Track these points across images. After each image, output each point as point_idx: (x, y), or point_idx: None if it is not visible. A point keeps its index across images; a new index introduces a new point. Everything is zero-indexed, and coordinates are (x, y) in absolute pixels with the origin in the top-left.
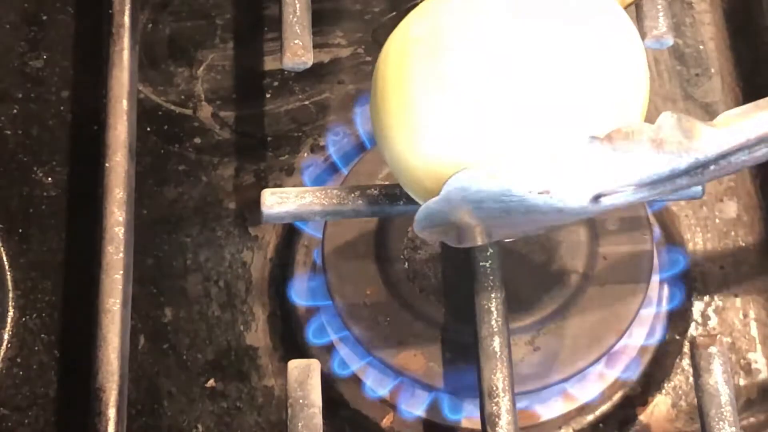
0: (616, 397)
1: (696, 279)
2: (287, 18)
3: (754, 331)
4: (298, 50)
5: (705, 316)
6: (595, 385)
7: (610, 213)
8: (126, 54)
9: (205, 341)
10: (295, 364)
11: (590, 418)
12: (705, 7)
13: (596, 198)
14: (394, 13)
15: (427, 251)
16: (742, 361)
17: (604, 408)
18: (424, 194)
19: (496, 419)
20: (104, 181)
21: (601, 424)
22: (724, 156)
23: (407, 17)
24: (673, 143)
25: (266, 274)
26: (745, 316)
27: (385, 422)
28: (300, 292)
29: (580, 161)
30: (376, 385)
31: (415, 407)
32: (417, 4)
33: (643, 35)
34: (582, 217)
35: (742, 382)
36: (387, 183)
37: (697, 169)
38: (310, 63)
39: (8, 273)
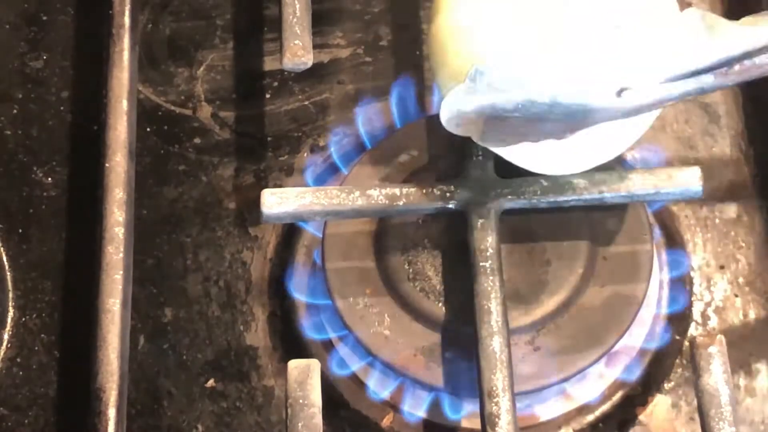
0: (616, 397)
1: (696, 279)
2: (287, 18)
3: (754, 331)
4: (298, 50)
5: (705, 316)
6: (595, 385)
7: (636, 118)
8: (126, 54)
9: (205, 341)
10: (295, 364)
11: (590, 418)
12: (705, 7)
13: (621, 92)
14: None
15: (427, 251)
16: (742, 361)
17: (604, 408)
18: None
19: (496, 419)
20: (104, 181)
21: (601, 424)
22: (747, 55)
23: None
24: (696, 36)
25: (266, 274)
26: (745, 316)
27: (385, 422)
28: (300, 291)
29: (604, 49)
30: (376, 386)
31: (415, 407)
32: None
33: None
34: (606, 121)
35: (742, 382)
36: (387, 183)
37: (721, 67)
38: (310, 63)
39: (8, 273)
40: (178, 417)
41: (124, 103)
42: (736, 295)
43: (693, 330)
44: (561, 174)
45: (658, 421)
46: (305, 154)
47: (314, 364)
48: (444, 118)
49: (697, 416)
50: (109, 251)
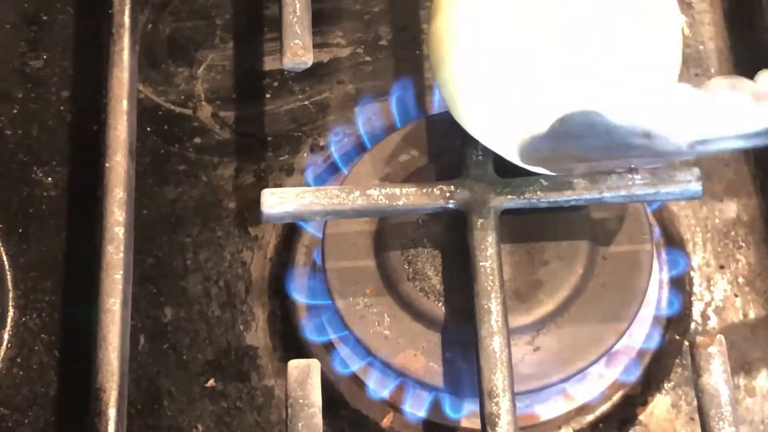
0: (616, 397)
1: (696, 279)
2: (287, 18)
3: (754, 331)
4: (298, 50)
5: (705, 316)
6: (594, 385)
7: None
8: (126, 54)
9: (205, 341)
10: (295, 364)
11: (590, 418)
12: (705, 7)
13: (693, 145)
14: None
15: (427, 251)
16: (742, 361)
17: (604, 408)
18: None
19: (496, 419)
20: (104, 181)
21: (600, 424)
22: None
23: None
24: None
25: (266, 274)
26: (745, 316)
27: (385, 422)
28: (300, 291)
29: (680, 108)
30: (376, 385)
31: (415, 407)
32: None
33: None
34: (673, 159)
35: (742, 382)
36: (387, 183)
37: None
38: (310, 63)
39: (8, 273)
40: (178, 417)
41: (124, 103)
42: (736, 295)
43: (693, 330)
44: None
45: (658, 421)
46: (305, 154)
47: (314, 364)
48: (522, 159)
49: (697, 416)
50: (109, 251)
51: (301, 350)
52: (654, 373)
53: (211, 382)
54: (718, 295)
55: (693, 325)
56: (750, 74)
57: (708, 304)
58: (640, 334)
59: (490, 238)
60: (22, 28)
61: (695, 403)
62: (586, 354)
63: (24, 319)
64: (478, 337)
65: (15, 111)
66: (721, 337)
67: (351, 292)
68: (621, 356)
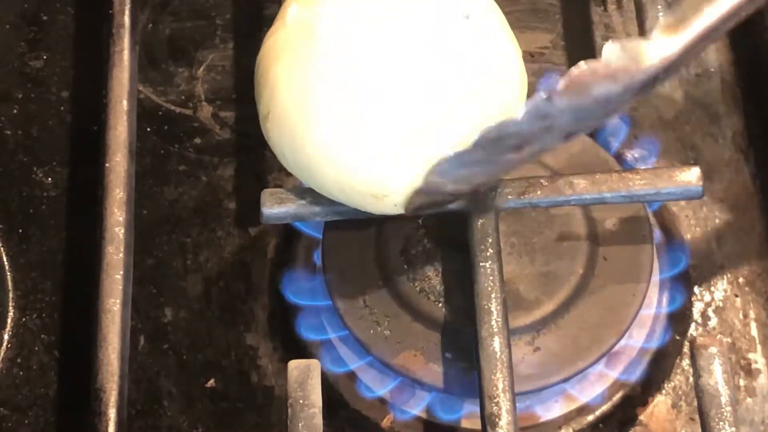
0: (616, 397)
1: (696, 279)
2: None
3: (754, 331)
4: None
5: (705, 316)
6: (595, 386)
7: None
8: (126, 54)
9: (205, 341)
10: (295, 364)
11: (590, 418)
12: None
13: (567, 137)
14: None
15: (427, 251)
16: (742, 361)
17: (604, 408)
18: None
19: (496, 419)
20: (104, 181)
21: (601, 425)
22: (673, 65)
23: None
24: (625, 71)
25: (266, 274)
26: (745, 316)
27: (385, 422)
28: (300, 292)
29: (541, 117)
30: (376, 385)
31: (415, 407)
32: None
33: (642, 35)
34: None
35: (742, 382)
36: None
37: (652, 82)
38: None
39: (8, 273)
40: (178, 417)
41: (124, 103)
42: (736, 295)
43: (693, 330)
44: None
45: (658, 421)
46: None
47: (314, 364)
48: (411, 212)
49: (697, 416)
50: (109, 251)
51: (301, 350)
52: (654, 373)
53: (211, 383)
54: (718, 295)
55: (693, 325)
56: (750, 74)
57: (708, 304)
58: (640, 334)
59: (490, 238)
60: (22, 28)
61: (695, 403)
62: (586, 354)
63: (24, 319)
64: (478, 337)
65: (15, 111)
66: (721, 337)
67: (351, 293)
68: (621, 356)
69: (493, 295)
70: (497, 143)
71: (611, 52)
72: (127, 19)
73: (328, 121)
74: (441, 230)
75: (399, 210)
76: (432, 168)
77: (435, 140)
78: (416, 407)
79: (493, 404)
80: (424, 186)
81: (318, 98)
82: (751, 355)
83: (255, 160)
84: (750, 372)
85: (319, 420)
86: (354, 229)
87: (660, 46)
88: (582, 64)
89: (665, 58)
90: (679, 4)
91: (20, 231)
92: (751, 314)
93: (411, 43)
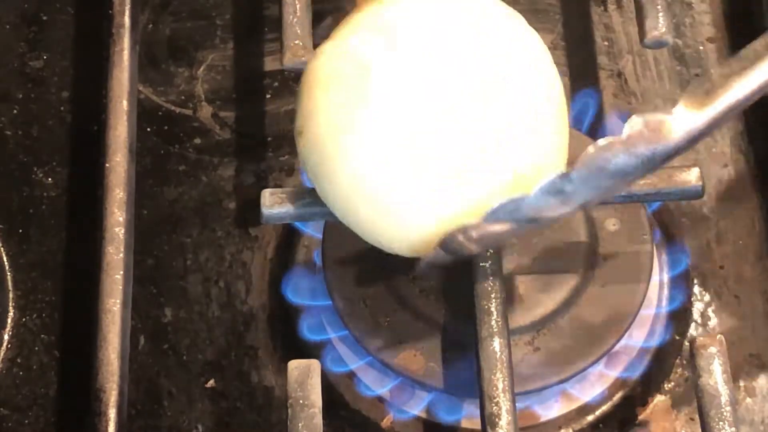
0: (616, 397)
1: (696, 279)
2: (287, 18)
3: (754, 331)
4: (298, 50)
5: (705, 316)
6: (595, 386)
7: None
8: (126, 54)
9: (205, 341)
10: (295, 364)
11: (590, 418)
12: (705, 8)
13: (583, 206)
14: None
15: None
16: (742, 361)
17: (604, 408)
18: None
19: (496, 419)
20: (104, 181)
21: (601, 425)
22: (697, 138)
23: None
24: (647, 145)
25: (266, 275)
26: (745, 316)
27: (385, 422)
28: (300, 292)
29: (556, 193)
30: (376, 385)
31: (415, 407)
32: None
33: (642, 35)
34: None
35: (742, 382)
36: None
37: (673, 155)
38: None
39: (8, 273)
40: (178, 417)
41: (124, 103)
42: (736, 296)
43: (693, 330)
44: None
45: (658, 421)
46: None
47: (314, 364)
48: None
49: (697, 416)
50: (109, 251)
51: (301, 350)
52: (654, 373)
53: (211, 383)
54: (718, 295)
55: (693, 325)
56: None
57: (708, 304)
58: (640, 334)
59: None
60: (22, 28)
61: (695, 403)
62: (586, 354)
63: (24, 319)
64: (478, 337)
65: (15, 111)
66: (721, 337)
67: (351, 292)
68: (621, 356)
69: (493, 295)
70: (510, 216)
71: (633, 126)
72: (127, 19)
73: (363, 152)
74: None
75: (412, 255)
76: (447, 235)
77: (463, 192)
78: (416, 407)
79: (493, 404)
80: (441, 247)
81: (356, 127)
82: (750, 355)
83: (255, 160)
84: (750, 372)
85: (319, 420)
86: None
87: (685, 120)
88: (600, 141)
89: (690, 132)
90: (707, 76)
91: (20, 231)
92: (751, 314)
93: (456, 91)
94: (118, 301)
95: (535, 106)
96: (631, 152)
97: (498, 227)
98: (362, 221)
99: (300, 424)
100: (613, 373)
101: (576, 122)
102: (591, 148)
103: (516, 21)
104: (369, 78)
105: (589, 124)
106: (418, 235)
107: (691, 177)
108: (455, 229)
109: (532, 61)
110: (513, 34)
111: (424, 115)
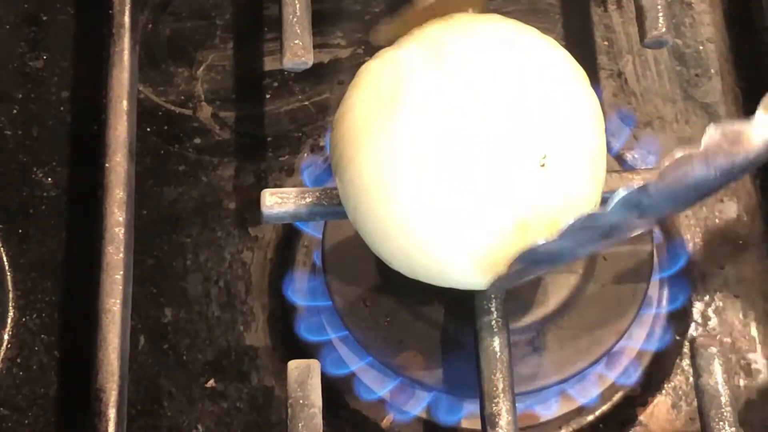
0: (616, 397)
1: (696, 279)
2: (287, 18)
3: (754, 331)
4: (298, 50)
5: (705, 317)
6: (594, 386)
7: None
8: (126, 54)
9: (205, 341)
10: (295, 365)
11: (590, 418)
12: (705, 8)
13: (659, 221)
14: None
15: None
16: (742, 361)
17: (604, 409)
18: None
19: (496, 420)
20: (104, 181)
21: (600, 425)
22: None
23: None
24: (726, 155)
25: (266, 274)
26: (745, 316)
27: (385, 422)
28: (300, 292)
29: (633, 207)
30: (376, 386)
31: (415, 407)
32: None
33: (642, 35)
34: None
35: (742, 382)
36: None
37: (751, 164)
38: (310, 63)
39: (8, 273)
40: (178, 417)
41: (124, 103)
42: (737, 296)
43: (693, 330)
44: None
45: (658, 422)
46: (305, 154)
47: (314, 364)
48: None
49: (697, 417)
50: (109, 251)
51: (301, 350)
52: (654, 373)
53: (211, 383)
54: (718, 295)
55: (693, 325)
56: (750, 74)
57: (708, 304)
58: (640, 334)
59: None
60: (22, 28)
61: (695, 403)
62: (586, 354)
63: (24, 319)
64: (478, 337)
65: (15, 111)
66: (721, 338)
67: (351, 293)
68: (621, 357)
69: (493, 296)
70: (584, 233)
71: (711, 137)
72: (127, 19)
73: (407, 193)
74: None
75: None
76: (515, 258)
77: (503, 225)
78: (416, 408)
79: (493, 404)
80: (504, 275)
81: (399, 168)
82: (751, 356)
83: (255, 160)
84: (750, 372)
85: (319, 420)
86: (354, 229)
87: (765, 128)
88: (678, 151)
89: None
90: None
91: (20, 231)
92: (751, 314)
93: (498, 121)
94: (118, 301)
95: (577, 142)
96: (710, 164)
97: (569, 243)
98: (402, 256)
99: (300, 424)
100: (613, 373)
101: None
102: (668, 161)
103: (562, 56)
104: (404, 110)
105: None
106: (459, 270)
107: None
108: (525, 249)
109: (575, 97)
110: (558, 72)
111: (463, 142)
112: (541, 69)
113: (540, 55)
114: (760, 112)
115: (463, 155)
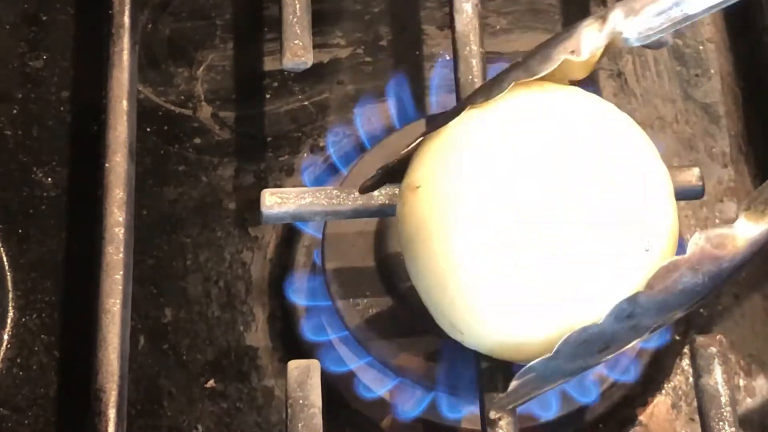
0: (616, 397)
1: None
2: (287, 18)
3: (754, 331)
4: (298, 50)
5: (705, 316)
6: (594, 386)
7: None
8: (126, 54)
9: (205, 341)
10: (295, 364)
11: (590, 418)
12: None
13: (652, 332)
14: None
15: None
16: (742, 361)
17: (604, 408)
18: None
19: (496, 419)
20: (104, 181)
21: (600, 425)
22: (760, 248)
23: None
24: (712, 261)
25: (266, 274)
26: (745, 316)
27: (385, 422)
28: (300, 292)
29: (625, 318)
30: (376, 385)
31: (415, 407)
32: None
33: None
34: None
35: (742, 382)
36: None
37: (739, 269)
38: (310, 63)
39: (8, 273)
40: (178, 417)
41: (124, 103)
42: (736, 296)
43: (693, 330)
44: None
45: (658, 422)
46: (305, 155)
47: (314, 364)
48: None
49: (697, 416)
50: (109, 251)
51: (301, 350)
52: (654, 373)
53: (211, 383)
54: (718, 295)
55: (693, 325)
56: (750, 74)
57: (708, 304)
58: None
59: None
60: (22, 28)
61: (695, 403)
62: None
63: (24, 319)
64: None
65: (15, 111)
66: (721, 337)
67: (351, 293)
68: (620, 356)
69: None
70: (580, 347)
71: (696, 243)
72: (127, 19)
73: (465, 240)
74: None
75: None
76: (515, 378)
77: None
78: (416, 407)
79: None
80: (506, 396)
81: (460, 212)
82: (751, 356)
83: (255, 160)
84: (750, 372)
85: (319, 420)
86: (354, 229)
87: (748, 232)
88: (665, 263)
89: (755, 243)
90: (764, 187)
91: (20, 231)
92: (751, 314)
93: (565, 201)
94: (117, 301)
95: (641, 222)
96: (698, 270)
97: (566, 359)
98: (448, 307)
99: (300, 424)
100: (613, 373)
101: None
102: (657, 271)
103: (629, 125)
104: (474, 156)
105: None
106: (497, 339)
107: (691, 177)
108: (523, 369)
109: (642, 168)
110: (626, 143)
111: (527, 213)
112: (608, 139)
113: (608, 124)
114: (741, 219)
115: (524, 225)
